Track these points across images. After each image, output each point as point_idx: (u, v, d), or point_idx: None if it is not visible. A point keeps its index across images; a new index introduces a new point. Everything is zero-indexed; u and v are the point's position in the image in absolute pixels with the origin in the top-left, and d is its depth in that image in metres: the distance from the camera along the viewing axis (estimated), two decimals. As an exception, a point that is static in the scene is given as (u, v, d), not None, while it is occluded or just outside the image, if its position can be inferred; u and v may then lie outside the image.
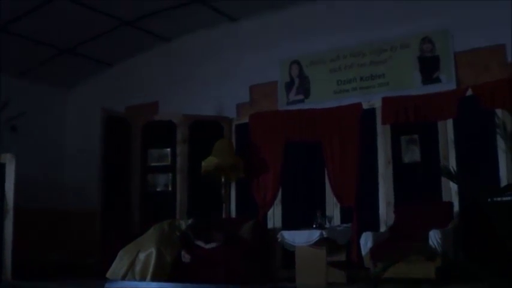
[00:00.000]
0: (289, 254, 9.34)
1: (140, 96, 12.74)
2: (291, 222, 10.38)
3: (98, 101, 12.40)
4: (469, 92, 9.44)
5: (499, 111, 8.90)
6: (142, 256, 8.97)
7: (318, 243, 8.68)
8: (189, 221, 9.77)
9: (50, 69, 12.92)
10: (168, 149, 11.55)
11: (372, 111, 10.28)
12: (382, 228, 9.61)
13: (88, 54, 12.73)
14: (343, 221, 10.08)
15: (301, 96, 11.22)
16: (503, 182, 8.64)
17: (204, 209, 10.88)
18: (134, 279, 8.76)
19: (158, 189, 11.47)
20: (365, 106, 10.36)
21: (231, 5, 11.21)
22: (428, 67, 10.02)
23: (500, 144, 8.64)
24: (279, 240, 9.10)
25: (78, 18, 11.08)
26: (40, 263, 10.40)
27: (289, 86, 11.37)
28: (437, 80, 9.92)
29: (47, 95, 13.41)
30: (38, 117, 12.78)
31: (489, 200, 6.53)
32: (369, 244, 8.56)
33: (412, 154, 9.84)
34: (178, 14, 11.36)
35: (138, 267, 8.89)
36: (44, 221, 12.04)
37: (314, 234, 8.76)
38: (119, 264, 8.98)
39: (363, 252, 8.63)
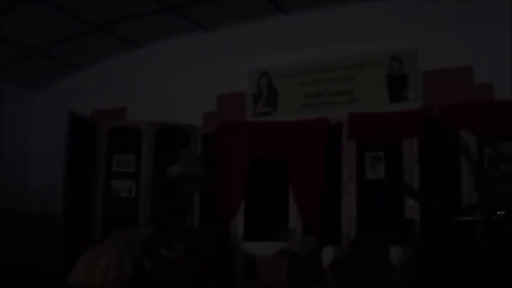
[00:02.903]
0: (250, 264, 9.35)
1: (108, 101, 12.68)
2: (253, 234, 10.43)
3: (65, 103, 12.33)
4: (435, 112, 9.53)
5: (463, 132, 8.99)
6: (103, 262, 8.90)
7: (279, 255, 8.71)
8: (152, 229, 9.74)
9: (18, 70, 12.83)
10: (134, 155, 11.50)
11: (338, 127, 10.33)
12: (344, 243, 9.64)
13: (58, 56, 12.64)
14: (305, 233, 10.11)
15: (268, 108, 11.24)
16: (466, 202, 8.72)
17: (167, 217, 10.88)
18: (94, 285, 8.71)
19: (122, 195, 11.41)
20: (332, 121, 10.41)
21: (203, 14, 11.20)
22: (396, 85, 10.10)
23: (464, 164, 8.74)
24: (241, 250, 9.12)
25: (50, 21, 11.01)
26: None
27: (257, 97, 11.39)
28: (405, 99, 10.00)
29: (13, 95, 13.30)
30: (3, 117, 12.68)
31: (450, 219, 6.61)
32: (330, 258, 8.59)
33: (377, 171, 9.90)
34: (150, 21, 11.34)
35: (98, 274, 8.82)
36: (4, 222, 11.92)
37: (276, 246, 8.80)
38: (79, 270, 8.91)
39: (324, 266, 8.66)
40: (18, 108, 13.46)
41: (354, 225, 9.75)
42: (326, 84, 10.71)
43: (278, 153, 10.76)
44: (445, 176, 9.23)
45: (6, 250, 11.26)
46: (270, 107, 11.24)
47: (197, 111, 11.75)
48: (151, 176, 11.37)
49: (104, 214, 11.35)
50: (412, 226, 9.11)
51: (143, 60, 12.60)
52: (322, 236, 9.86)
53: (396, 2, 10.08)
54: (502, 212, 6.02)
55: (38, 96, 14.07)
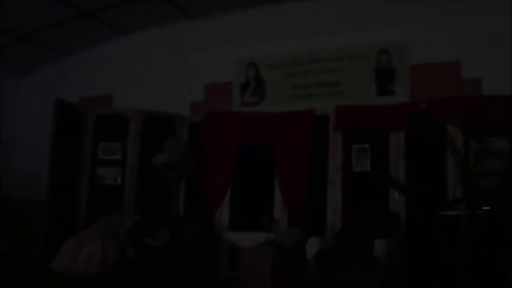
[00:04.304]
0: (235, 255, 9.35)
1: (95, 88, 12.63)
2: (238, 224, 10.43)
3: (51, 90, 12.27)
4: (422, 106, 9.53)
5: (450, 126, 9.01)
6: (86, 249, 8.89)
7: (263, 246, 8.71)
8: (137, 217, 9.72)
9: (4, 55, 12.72)
10: (120, 143, 11.44)
11: (325, 118, 10.32)
12: (329, 235, 9.65)
13: (44, 42, 12.57)
14: (290, 224, 10.12)
15: (256, 99, 11.23)
16: (451, 196, 8.73)
17: (152, 206, 10.86)
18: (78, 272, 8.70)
19: (107, 183, 11.36)
20: (319, 113, 10.40)
21: (192, 3, 11.17)
22: (384, 78, 10.11)
23: (450, 158, 8.76)
24: (225, 240, 9.12)
25: (37, 6, 10.91)
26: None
27: (244, 87, 11.37)
28: (392, 92, 10.01)
29: (-1, 80, 13.25)
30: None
31: (435, 213, 6.62)
32: (315, 249, 8.59)
33: (363, 163, 9.90)
34: (138, 8, 11.27)
35: (82, 261, 8.81)
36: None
37: (260, 237, 8.79)
38: (63, 257, 8.90)
39: (308, 257, 8.66)
40: (3, 93, 13.34)
41: (339, 218, 9.76)
42: (314, 75, 10.70)
43: (264, 144, 10.75)
44: (430, 170, 9.24)
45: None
46: (258, 97, 11.22)
47: (184, 100, 11.73)
48: (137, 164, 11.32)
49: (88, 201, 11.30)
50: (397, 219, 9.11)
51: (131, 47, 12.55)
52: (307, 227, 9.87)
53: (385, -5, 10.12)
54: (487, 207, 6.05)
55: (24, 82, 13.99)
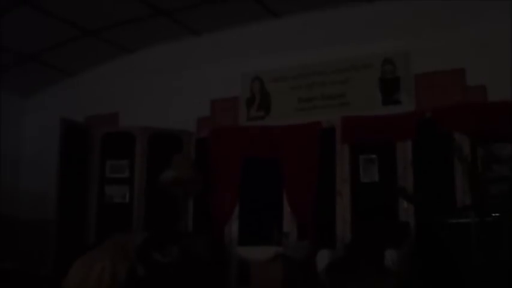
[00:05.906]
0: (245, 269, 9.33)
1: (100, 106, 12.65)
2: (247, 238, 10.40)
3: (57, 109, 12.27)
4: (428, 114, 9.52)
5: (456, 134, 8.99)
6: (96, 269, 8.87)
7: (273, 260, 8.69)
8: (146, 234, 9.71)
9: (10, 75, 12.76)
10: (127, 161, 11.45)
11: (331, 130, 10.30)
12: (339, 246, 9.62)
13: (49, 62, 12.57)
14: (300, 237, 10.09)
15: (261, 113, 11.22)
16: (460, 204, 8.71)
17: (161, 223, 10.84)
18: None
19: (115, 201, 11.36)
20: (325, 124, 10.38)
21: (195, 19, 11.19)
22: (389, 88, 10.09)
23: (458, 166, 8.74)
24: (235, 255, 9.09)
25: (41, 26, 10.96)
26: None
27: (250, 102, 11.37)
28: (397, 101, 9.99)
29: (4, 101, 13.22)
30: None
31: (445, 221, 6.61)
32: (325, 261, 8.57)
33: (370, 174, 9.88)
34: (142, 26, 11.30)
35: (92, 280, 8.79)
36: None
37: (270, 250, 8.77)
38: (73, 276, 8.88)
39: (319, 270, 8.64)
40: (9, 114, 13.35)
41: (349, 229, 9.74)
42: (318, 87, 10.69)
43: (272, 157, 10.74)
44: (438, 178, 9.21)
45: (-2, 256, 11.21)
46: (263, 111, 11.21)
47: (190, 116, 11.71)
48: (145, 182, 11.30)
49: (97, 220, 11.28)
50: (407, 229, 9.08)
51: (136, 65, 12.56)
52: (316, 239, 9.84)
53: (387, 5, 10.09)
54: (497, 214, 6.03)
55: (30, 102, 14.02)
